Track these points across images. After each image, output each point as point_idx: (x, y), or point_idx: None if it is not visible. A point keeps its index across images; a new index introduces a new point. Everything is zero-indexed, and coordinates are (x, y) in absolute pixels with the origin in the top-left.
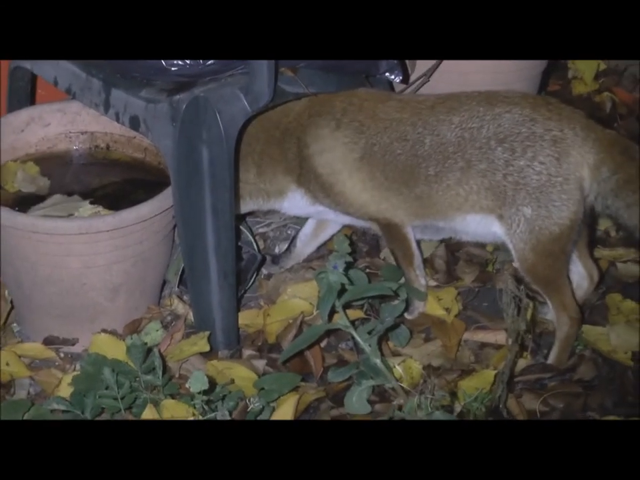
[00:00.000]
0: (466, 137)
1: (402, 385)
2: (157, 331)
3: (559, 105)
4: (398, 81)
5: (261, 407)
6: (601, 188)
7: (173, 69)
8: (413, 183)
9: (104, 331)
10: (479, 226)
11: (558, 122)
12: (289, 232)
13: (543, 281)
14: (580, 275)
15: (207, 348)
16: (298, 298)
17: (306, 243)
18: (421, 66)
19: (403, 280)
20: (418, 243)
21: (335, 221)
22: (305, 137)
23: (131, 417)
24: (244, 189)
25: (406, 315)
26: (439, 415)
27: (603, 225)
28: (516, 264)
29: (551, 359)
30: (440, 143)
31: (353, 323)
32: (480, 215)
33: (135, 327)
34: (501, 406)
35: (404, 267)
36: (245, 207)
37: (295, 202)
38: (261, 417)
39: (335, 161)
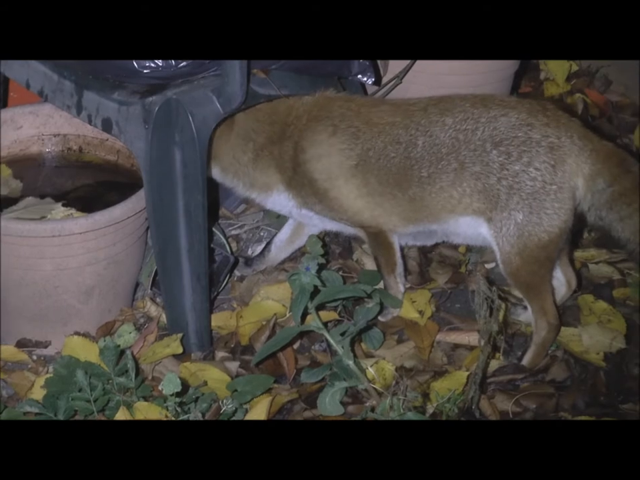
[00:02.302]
0: (460, 139)
1: (375, 386)
2: (130, 333)
3: (556, 112)
4: (370, 82)
5: (234, 408)
6: (595, 199)
7: (145, 71)
8: (406, 185)
9: (77, 333)
10: (469, 228)
11: (555, 129)
12: (262, 234)
13: (526, 285)
14: (559, 281)
15: (180, 350)
16: (271, 300)
17: (281, 248)
18: (394, 68)
19: (379, 285)
20: (402, 250)
21: (316, 225)
22: (302, 141)
23: (103, 420)
24: (232, 165)
25: (379, 317)
26: (411, 416)
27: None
28: (499, 266)
29: (525, 361)
30: (433, 144)
31: (326, 324)
32: (470, 217)
33: (107, 329)
34: (473, 407)
35: (385, 273)
36: (221, 179)
37: (279, 201)
38: (234, 419)
39: (332, 167)
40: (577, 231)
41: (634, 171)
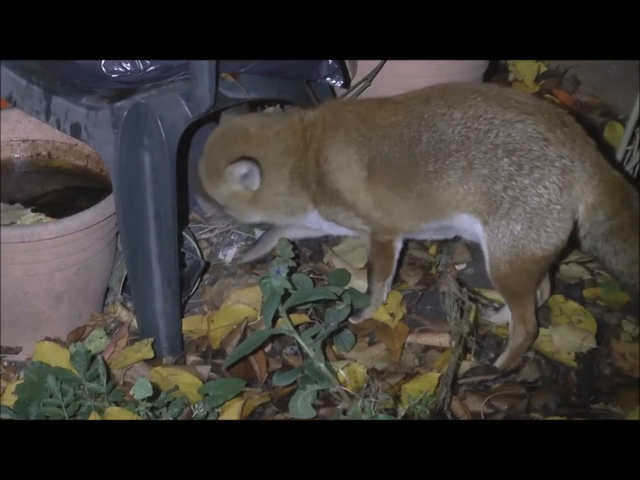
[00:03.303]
0: (471, 138)
1: (346, 389)
2: (101, 338)
3: (574, 128)
4: (339, 85)
5: (206, 412)
6: (592, 229)
7: (113, 75)
8: (412, 182)
9: (47, 339)
10: (469, 225)
11: (570, 150)
12: (232, 237)
13: (511, 292)
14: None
15: (151, 355)
16: (242, 303)
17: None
18: (362, 70)
19: (350, 284)
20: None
21: (323, 232)
22: (324, 150)
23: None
24: (273, 200)
25: (350, 319)
26: (382, 419)
27: None
28: (487, 269)
29: (497, 364)
30: (439, 139)
31: (297, 327)
32: (469, 215)
33: (78, 335)
34: (445, 408)
35: (376, 280)
36: (263, 218)
37: (313, 220)
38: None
39: (354, 178)
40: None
41: (635, 207)
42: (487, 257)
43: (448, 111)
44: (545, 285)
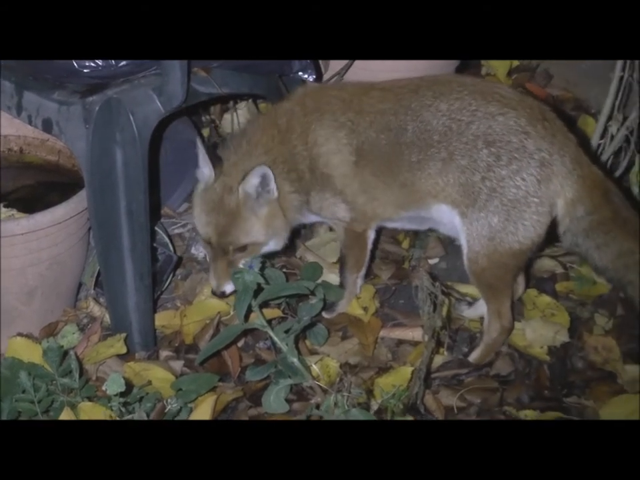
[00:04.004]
0: (453, 129)
1: (319, 383)
2: (74, 333)
3: (555, 123)
4: (311, 79)
5: (179, 407)
6: (573, 225)
7: (85, 70)
8: (397, 171)
9: (20, 334)
10: (447, 217)
11: (550, 144)
12: None
13: (487, 286)
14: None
15: (124, 350)
16: (214, 298)
17: None
18: (335, 65)
19: (322, 278)
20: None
21: None
22: (311, 134)
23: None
24: (289, 199)
25: (324, 313)
26: (355, 413)
27: None
28: (464, 262)
29: (472, 358)
30: (424, 129)
31: (270, 322)
32: (448, 206)
33: (51, 330)
34: (418, 402)
35: (349, 273)
36: (293, 224)
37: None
38: (179, 418)
39: (343, 163)
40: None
41: (615, 202)
42: (465, 251)
43: (434, 102)
44: (520, 280)
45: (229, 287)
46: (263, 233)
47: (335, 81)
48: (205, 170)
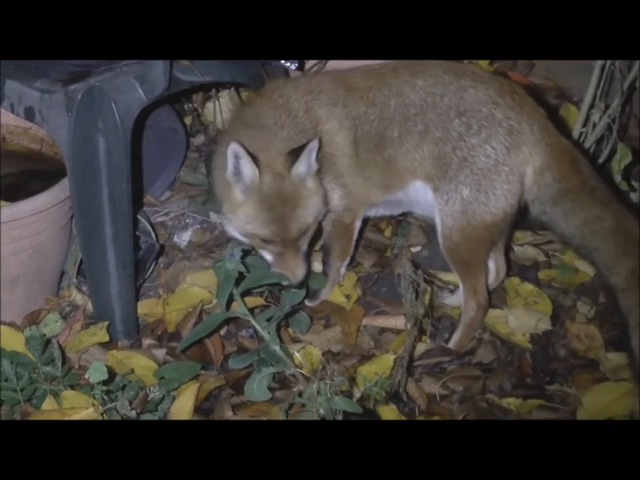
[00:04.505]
0: (428, 102)
1: (302, 371)
2: (56, 322)
3: (524, 97)
4: (294, 68)
5: (161, 395)
6: (541, 193)
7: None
8: (382, 146)
9: (2, 322)
10: (422, 193)
11: (518, 114)
12: (188, 221)
13: (462, 263)
14: (489, 268)
15: (107, 338)
16: (197, 286)
17: None
18: None
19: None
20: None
21: None
22: (314, 113)
23: (30, 409)
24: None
25: (307, 301)
26: (338, 400)
27: None
28: (439, 240)
29: (452, 343)
30: (403, 103)
31: (252, 310)
32: (422, 181)
33: (33, 319)
34: (400, 390)
35: (334, 262)
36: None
37: None
38: (162, 406)
39: (345, 141)
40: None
41: (583, 171)
42: (439, 228)
43: (412, 78)
44: (501, 265)
45: (303, 272)
46: (321, 204)
47: (318, 69)
48: (248, 170)
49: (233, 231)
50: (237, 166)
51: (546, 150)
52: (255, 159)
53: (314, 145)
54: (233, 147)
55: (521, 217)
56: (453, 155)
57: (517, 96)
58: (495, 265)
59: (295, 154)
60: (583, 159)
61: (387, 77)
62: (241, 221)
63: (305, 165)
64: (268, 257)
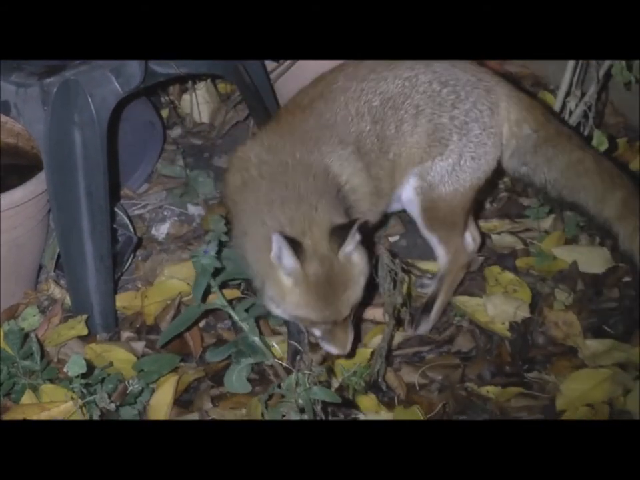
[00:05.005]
0: (407, 86)
1: (281, 362)
2: (34, 316)
3: (490, 71)
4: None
5: (140, 388)
6: (521, 144)
7: None
8: (386, 149)
9: None
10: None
11: (488, 75)
12: (165, 213)
13: (449, 226)
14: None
15: (85, 331)
16: (175, 279)
17: None
18: None
19: None
20: None
21: None
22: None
23: (9, 403)
24: None
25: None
26: (317, 391)
27: None
28: (418, 215)
29: (435, 311)
30: (387, 98)
31: (230, 302)
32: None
33: (11, 313)
34: (380, 380)
35: None
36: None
37: None
38: (141, 399)
39: (356, 176)
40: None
41: (555, 121)
42: (432, 194)
43: (382, 73)
44: (475, 232)
45: (351, 341)
46: (367, 270)
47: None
48: (289, 262)
49: (281, 313)
50: (281, 255)
51: (519, 102)
52: (299, 245)
53: (358, 223)
54: (276, 238)
55: (498, 204)
56: (452, 125)
57: (483, 69)
58: (470, 233)
59: (339, 233)
60: (548, 110)
61: (357, 82)
62: (289, 306)
63: (351, 245)
64: (317, 332)
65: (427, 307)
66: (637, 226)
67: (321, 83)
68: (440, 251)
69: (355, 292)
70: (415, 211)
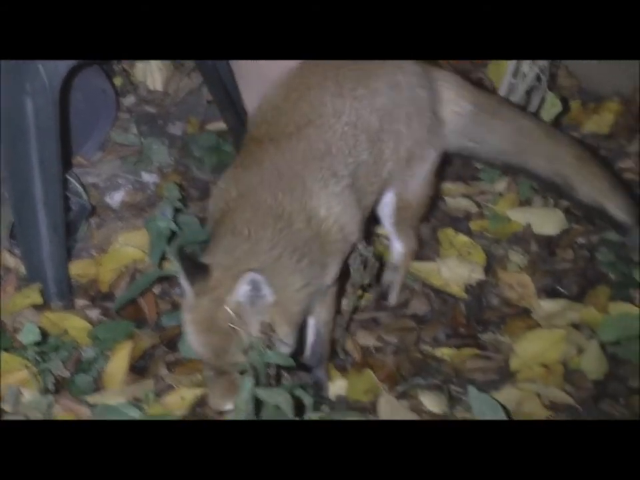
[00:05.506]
0: (366, 95)
1: (235, 326)
2: None
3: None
4: None
5: (95, 355)
6: (462, 120)
7: None
8: (380, 168)
9: None
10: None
11: (420, 65)
12: (120, 182)
13: (414, 224)
14: None
15: (40, 300)
16: (130, 246)
17: None
18: None
19: None
20: None
21: None
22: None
23: None
24: None
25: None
26: (271, 355)
27: None
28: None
29: (393, 298)
30: (359, 116)
31: None
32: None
33: None
34: (339, 349)
35: None
36: None
37: None
38: (96, 366)
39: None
40: None
41: (489, 93)
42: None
43: (369, 88)
44: None
45: (229, 405)
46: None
47: None
48: (184, 285)
49: None
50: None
51: (452, 82)
52: (203, 273)
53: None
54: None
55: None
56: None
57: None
58: None
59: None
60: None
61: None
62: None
63: (241, 297)
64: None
65: (384, 296)
66: (596, 173)
67: (304, 105)
68: (398, 245)
69: (235, 348)
70: (387, 211)
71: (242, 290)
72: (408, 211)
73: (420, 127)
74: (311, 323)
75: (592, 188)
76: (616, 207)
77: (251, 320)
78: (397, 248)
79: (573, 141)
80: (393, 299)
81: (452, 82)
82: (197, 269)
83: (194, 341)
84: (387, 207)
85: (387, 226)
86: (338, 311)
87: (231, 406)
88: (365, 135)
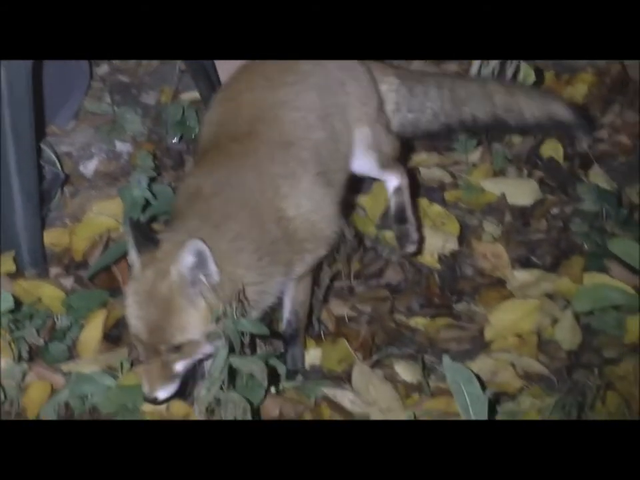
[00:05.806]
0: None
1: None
2: None
3: None
4: None
5: (69, 324)
6: (399, 96)
7: None
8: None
9: None
10: None
11: (351, 62)
12: (93, 150)
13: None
14: None
15: (13, 268)
16: (103, 215)
17: None
18: None
19: None
20: None
21: None
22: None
23: None
24: None
25: None
26: (244, 323)
27: None
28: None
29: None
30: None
31: None
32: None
33: None
34: (314, 320)
35: None
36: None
37: None
38: (70, 334)
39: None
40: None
41: (409, 69)
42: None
43: (297, 94)
44: None
45: (162, 393)
46: (201, 329)
47: None
48: (132, 254)
49: None
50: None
51: (375, 67)
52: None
53: (192, 246)
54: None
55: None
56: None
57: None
58: None
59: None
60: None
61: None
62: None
63: (185, 266)
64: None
65: (401, 219)
66: (529, 92)
67: (245, 108)
68: (392, 178)
69: (170, 324)
70: (370, 162)
71: (186, 259)
72: (384, 154)
73: (357, 90)
74: (287, 303)
75: (531, 105)
76: (561, 107)
77: (192, 299)
78: (392, 180)
79: (497, 81)
80: (413, 238)
81: (375, 65)
82: (147, 241)
83: (131, 314)
84: (368, 158)
85: (376, 173)
86: (316, 283)
87: (167, 394)
88: (313, 115)
